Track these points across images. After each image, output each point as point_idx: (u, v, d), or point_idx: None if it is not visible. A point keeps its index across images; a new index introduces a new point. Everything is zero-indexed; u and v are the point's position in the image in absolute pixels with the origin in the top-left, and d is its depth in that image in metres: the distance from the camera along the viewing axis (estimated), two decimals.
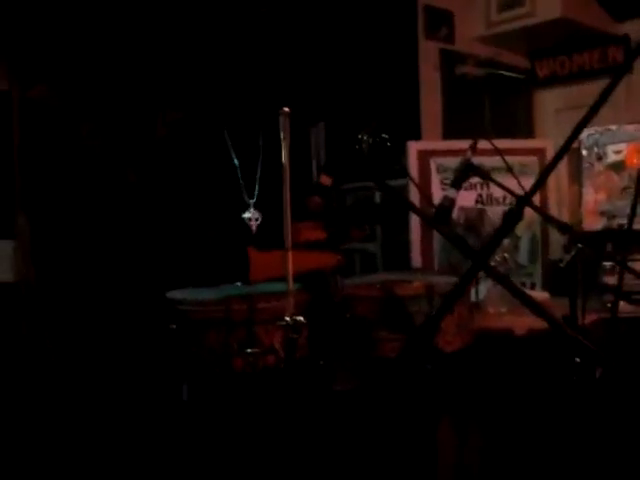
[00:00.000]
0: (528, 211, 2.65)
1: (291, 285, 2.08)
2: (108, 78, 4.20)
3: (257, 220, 2.99)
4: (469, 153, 2.75)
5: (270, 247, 2.33)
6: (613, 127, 3.46)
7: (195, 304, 2.52)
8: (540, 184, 1.68)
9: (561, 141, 1.86)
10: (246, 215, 3.03)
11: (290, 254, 2.08)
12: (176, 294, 2.64)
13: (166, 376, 2.81)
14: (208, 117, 3.27)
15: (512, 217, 1.66)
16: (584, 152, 3.50)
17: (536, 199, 4.02)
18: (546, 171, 1.67)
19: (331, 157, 2.88)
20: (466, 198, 4.07)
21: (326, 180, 2.66)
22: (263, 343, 2.45)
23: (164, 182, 3.43)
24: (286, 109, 2.04)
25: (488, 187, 4.15)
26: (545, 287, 4.04)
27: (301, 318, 2.10)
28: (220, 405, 2.65)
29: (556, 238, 4.00)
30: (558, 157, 1.64)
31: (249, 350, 2.44)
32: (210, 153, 3.14)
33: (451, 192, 2.74)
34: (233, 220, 3.04)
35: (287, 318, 2.08)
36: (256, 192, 3.04)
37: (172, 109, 4.82)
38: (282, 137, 2.04)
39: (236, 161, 3.07)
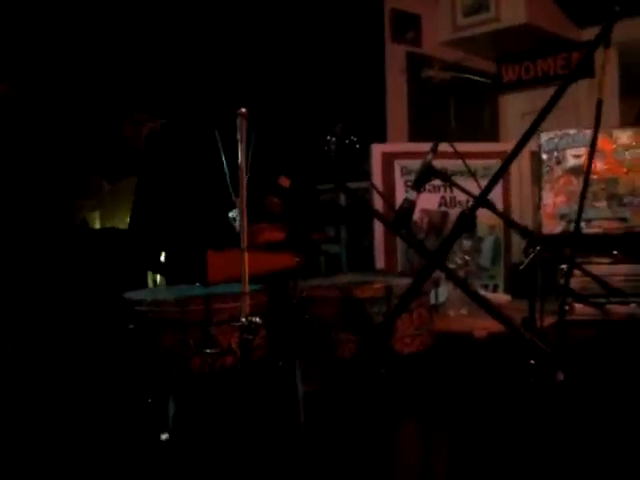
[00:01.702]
0: (492, 214, 2.69)
1: (246, 286, 2.07)
2: (76, 77, 4.16)
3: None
4: (430, 155, 2.76)
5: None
6: (572, 131, 3.50)
7: (152, 304, 2.50)
8: (492, 186, 1.69)
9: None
10: (231, 214, 3.01)
11: (246, 255, 2.08)
12: (133, 294, 2.63)
13: (125, 377, 2.79)
14: (192, 118, 3.25)
15: (465, 219, 1.66)
16: (544, 156, 3.53)
17: (499, 202, 4.11)
18: (498, 173, 1.68)
19: (291, 159, 2.87)
20: (430, 201, 4.09)
21: (285, 182, 2.65)
22: (220, 344, 2.45)
23: (142, 181, 3.40)
24: (243, 110, 2.03)
25: (451, 190, 4.16)
26: (507, 289, 4.07)
27: (257, 319, 2.09)
28: (178, 405, 2.64)
29: (519, 241, 4.02)
30: (508, 160, 1.66)
31: (207, 350, 2.44)
32: (199, 153, 3.11)
33: (411, 194, 2.75)
34: (220, 219, 3.01)
35: (242, 319, 2.07)
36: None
37: (140, 109, 4.79)
38: (239, 138, 2.03)
39: (224, 160, 3.05)
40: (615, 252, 3.33)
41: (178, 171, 3.16)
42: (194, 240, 2.98)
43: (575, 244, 2.68)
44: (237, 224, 2.97)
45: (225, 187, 3.04)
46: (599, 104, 1.56)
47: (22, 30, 3.90)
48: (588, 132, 3.49)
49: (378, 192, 3.31)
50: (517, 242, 4.03)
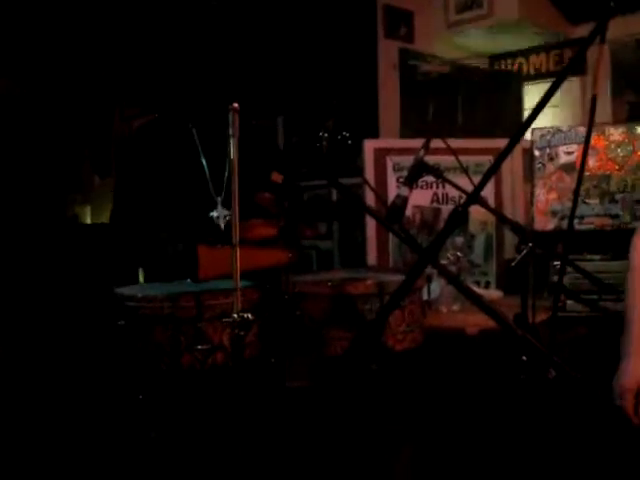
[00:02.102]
0: (484, 210, 2.68)
1: (238, 282, 2.06)
2: (68, 74, 4.15)
3: (225, 218, 2.96)
4: (422, 152, 2.75)
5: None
6: (564, 128, 3.50)
7: (143, 300, 2.49)
8: (485, 183, 1.68)
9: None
10: (214, 213, 3.00)
11: (237, 251, 2.06)
12: (124, 290, 2.61)
13: (114, 372, 2.78)
14: (176, 114, 3.23)
15: (457, 216, 1.66)
16: (536, 152, 3.53)
17: (492, 199, 4.10)
18: (490, 170, 1.67)
19: (284, 154, 2.86)
20: (422, 197, 4.08)
21: (277, 177, 2.64)
22: (212, 340, 2.43)
23: (126, 177, 3.38)
24: (235, 105, 2.02)
25: (444, 186, 4.16)
26: (499, 286, 4.07)
27: (248, 315, 2.08)
28: (168, 401, 2.63)
29: (511, 237, 4.02)
30: (501, 157, 1.65)
31: (198, 347, 2.42)
32: (178, 150, 3.10)
33: (404, 190, 2.74)
34: (201, 217, 3.00)
35: (234, 315, 2.06)
36: (224, 189, 3.01)
37: (130, 105, 4.78)
38: (231, 133, 2.02)
39: (204, 159, 3.04)
40: (607, 249, 3.34)
41: (157, 168, 3.14)
42: (176, 237, 2.97)
43: (568, 241, 2.68)
44: (221, 222, 2.98)
45: (205, 185, 3.04)
46: (593, 100, 1.55)
47: (17, 27, 3.89)
48: (580, 129, 3.48)
49: (371, 188, 3.30)
50: (509, 239, 4.03)
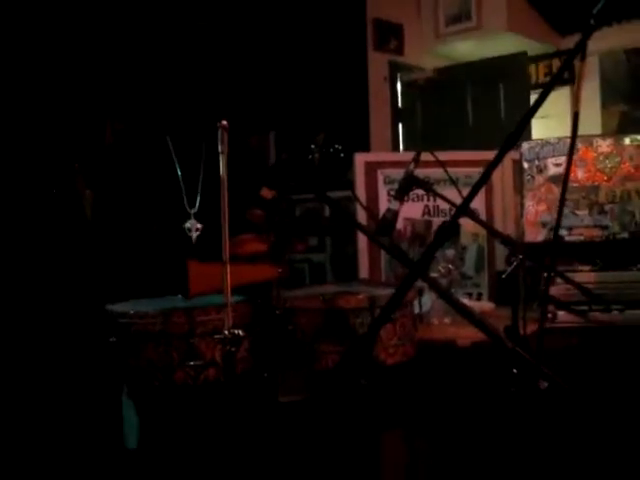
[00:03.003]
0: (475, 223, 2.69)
1: (229, 298, 2.07)
2: (59, 87, 4.16)
3: (197, 230, 2.97)
4: (412, 165, 2.78)
5: (210, 258, 2.31)
6: (553, 140, 3.52)
7: (134, 317, 2.49)
8: (473, 196, 1.69)
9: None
10: (187, 225, 3.01)
11: (228, 267, 2.07)
12: (115, 307, 2.61)
13: (106, 389, 2.78)
14: (151, 125, 3.24)
15: (444, 231, 1.67)
16: (525, 164, 3.55)
17: (483, 211, 4.12)
18: (479, 182, 1.69)
19: (273, 169, 2.88)
20: (413, 210, 4.09)
21: (267, 193, 2.66)
22: (204, 356, 2.44)
23: (106, 191, 3.39)
24: (224, 122, 2.03)
25: (435, 199, 4.17)
26: (491, 298, 4.08)
27: (239, 331, 2.08)
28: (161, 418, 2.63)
29: (502, 249, 4.04)
30: (490, 169, 1.66)
31: (191, 363, 2.43)
32: (153, 161, 3.11)
33: (394, 204, 2.76)
34: (174, 230, 3.01)
35: (225, 331, 2.07)
36: (197, 202, 3.02)
37: (120, 118, 4.78)
38: (220, 150, 2.03)
39: (179, 170, 3.05)
40: (597, 260, 3.35)
41: (130, 179, 3.15)
42: (149, 250, 2.97)
43: (554, 252, 2.69)
44: (193, 235, 2.99)
45: (179, 197, 3.05)
46: (575, 116, 1.57)
47: (6, 43, 3.90)
48: (569, 141, 3.50)
49: (360, 203, 3.32)
50: (501, 250, 4.04)
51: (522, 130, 1.69)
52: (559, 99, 6.24)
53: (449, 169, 2.83)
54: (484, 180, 1.79)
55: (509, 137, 1.67)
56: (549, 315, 3.26)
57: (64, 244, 3.54)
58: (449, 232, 1.68)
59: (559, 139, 3.52)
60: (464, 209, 1.90)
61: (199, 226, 2.94)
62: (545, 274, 3.00)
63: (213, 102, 3.32)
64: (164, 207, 3.01)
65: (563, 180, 1.76)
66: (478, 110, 6.20)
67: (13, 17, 3.97)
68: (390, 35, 6.15)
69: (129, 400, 2.65)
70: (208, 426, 2.55)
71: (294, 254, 2.86)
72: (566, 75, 6.06)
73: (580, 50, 1.40)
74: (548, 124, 6.06)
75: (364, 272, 4.11)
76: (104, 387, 2.81)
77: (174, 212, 2.99)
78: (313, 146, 2.79)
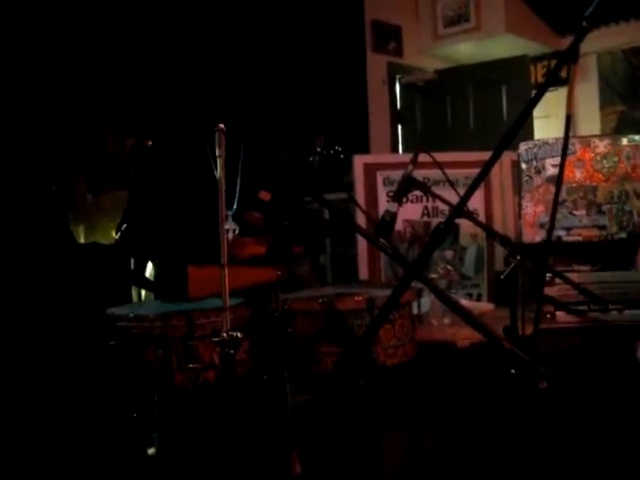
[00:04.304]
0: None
1: (227, 300, 2.08)
2: (60, 91, 4.17)
3: (235, 232, 2.97)
4: (410, 167, 2.79)
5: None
6: (551, 141, 3.53)
7: (134, 320, 2.50)
8: (468, 197, 1.70)
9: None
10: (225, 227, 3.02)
11: (227, 269, 2.08)
12: (115, 310, 2.62)
13: (105, 392, 2.79)
14: (191, 133, 3.25)
15: (440, 233, 1.68)
16: (523, 165, 3.55)
17: (482, 211, 4.13)
18: (474, 183, 1.70)
19: (272, 172, 2.89)
20: (412, 211, 4.10)
21: (265, 196, 2.66)
22: (203, 358, 2.45)
23: (137, 191, 3.40)
24: (221, 126, 2.04)
25: (434, 200, 4.16)
26: (491, 298, 4.08)
27: (238, 333, 2.09)
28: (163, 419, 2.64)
29: (502, 249, 4.04)
30: (485, 170, 1.67)
31: (190, 365, 2.44)
32: (192, 166, 3.12)
33: (392, 206, 2.77)
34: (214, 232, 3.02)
35: (223, 334, 2.08)
36: (235, 204, 3.02)
37: (120, 125, 4.80)
38: (217, 153, 2.05)
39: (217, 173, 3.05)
40: (595, 260, 3.36)
41: (167, 186, 3.16)
42: (184, 254, 2.98)
43: (547, 251, 2.70)
44: (230, 236, 3.00)
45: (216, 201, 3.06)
46: (568, 120, 1.58)
47: (7, 51, 3.91)
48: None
49: (357, 205, 3.32)
50: (500, 251, 4.04)
51: (518, 130, 1.69)
52: (560, 99, 6.22)
53: (449, 170, 2.84)
54: (480, 180, 1.80)
55: (505, 137, 1.68)
56: (548, 315, 3.27)
57: (64, 248, 3.55)
58: (444, 233, 1.69)
59: (557, 139, 3.53)
60: (460, 210, 1.91)
61: (236, 227, 2.93)
62: (541, 274, 3.01)
63: (226, 105, 3.32)
64: (204, 211, 3.02)
65: (556, 182, 1.77)
66: (479, 112, 6.20)
67: (15, 21, 3.98)
68: (389, 37, 6.16)
69: None
70: (208, 428, 2.57)
71: (293, 256, 2.86)
72: (565, 74, 6.05)
73: (571, 53, 1.41)
74: (550, 124, 6.07)
75: (364, 273, 4.11)
76: (104, 390, 2.82)
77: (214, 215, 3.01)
78: (313, 147, 2.79)
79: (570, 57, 1.56)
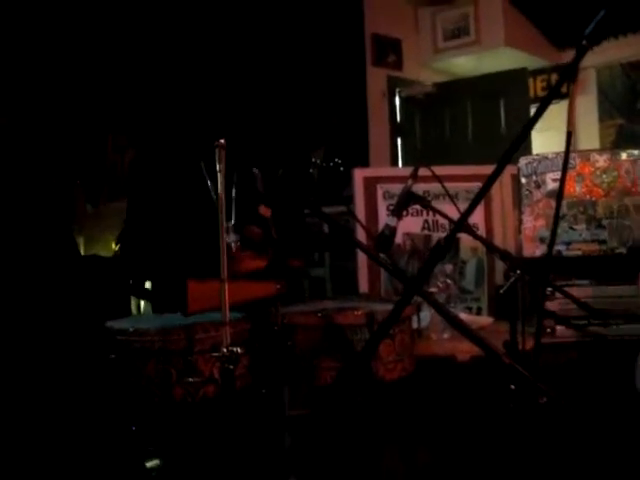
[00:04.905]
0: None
1: (227, 315, 2.08)
2: (60, 103, 4.18)
3: (237, 242, 2.97)
4: (410, 181, 2.79)
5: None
6: (551, 155, 3.53)
7: (134, 334, 2.50)
8: (469, 213, 1.71)
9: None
10: (227, 239, 3.02)
11: (226, 284, 2.08)
12: (115, 323, 2.62)
13: (107, 406, 2.78)
14: (184, 146, 3.27)
15: (440, 250, 1.68)
16: (523, 180, 3.55)
17: (482, 226, 4.13)
18: (476, 199, 1.70)
19: (270, 187, 2.89)
20: (412, 224, 4.10)
21: (265, 211, 2.67)
22: (203, 373, 2.45)
23: (132, 207, 3.40)
24: (222, 141, 2.05)
25: (434, 213, 4.17)
26: (491, 312, 4.08)
27: (238, 349, 2.09)
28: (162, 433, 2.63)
29: (502, 263, 4.04)
30: (488, 184, 1.67)
31: (190, 380, 2.44)
32: (187, 184, 3.13)
33: (392, 220, 2.78)
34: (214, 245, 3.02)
35: (223, 349, 2.08)
36: (233, 215, 3.03)
37: (121, 133, 4.81)
38: (218, 169, 2.05)
39: (210, 184, 3.06)
40: (595, 274, 3.36)
41: (165, 198, 3.17)
42: (183, 267, 2.98)
43: (549, 266, 2.70)
44: (233, 247, 3.00)
45: (215, 215, 3.07)
46: (568, 136, 1.58)
47: (7, 60, 3.92)
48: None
49: (356, 219, 3.33)
50: (500, 265, 4.05)
51: (520, 144, 1.70)
52: (560, 112, 6.22)
53: (449, 184, 2.85)
54: (481, 196, 1.80)
55: (506, 152, 1.68)
56: (548, 330, 3.26)
57: (64, 260, 3.55)
58: (445, 250, 1.69)
59: (557, 154, 3.53)
60: (461, 226, 1.91)
61: (237, 238, 2.94)
62: (541, 288, 3.01)
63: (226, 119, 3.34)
64: (201, 224, 3.02)
65: (557, 197, 1.77)
66: (478, 125, 6.22)
67: (15, 28, 4.00)
68: (389, 50, 6.19)
69: None
70: (207, 443, 2.56)
71: (292, 270, 2.85)
72: (566, 89, 6.06)
73: (571, 70, 1.42)
74: (549, 137, 6.06)
75: (364, 287, 4.11)
76: (104, 404, 2.82)
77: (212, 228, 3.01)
78: (313, 160, 2.80)
79: (570, 75, 1.57)
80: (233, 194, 3.07)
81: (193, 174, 3.09)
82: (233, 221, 3.04)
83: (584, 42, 1.39)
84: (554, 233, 2.21)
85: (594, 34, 1.39)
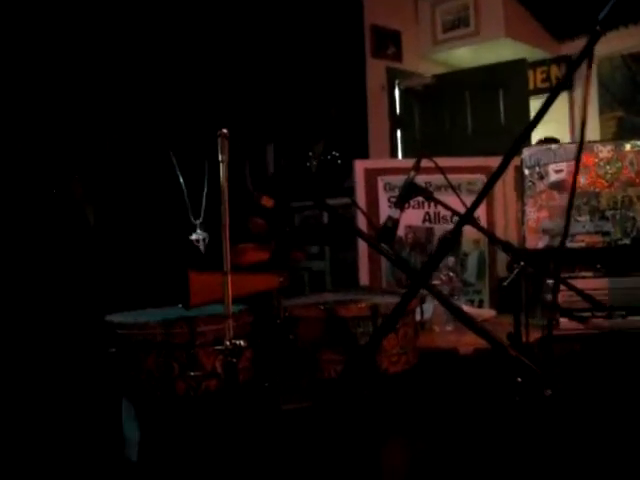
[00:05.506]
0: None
1: (229, 308, 2.04)
2: (56, 97, 4.15)
3: (205, 240, 2.97)
4: (412, 173, 2.76)
5: (218, 268, 2.31)
6: (554, 146, 3.51)
7: (135, 327, 2.47)
8: (479, 203, 1.68)
9: None
10: (193, 237, 3.01)
11: (229, 277, 2.05)
12: (115, 317, 2.59)
13: (105, 401, 2.76)
14: (153, 138, 3.25)
15: (447, 243, 1.65)
16: (526, 171, 3.53)
17: (484, 218, 4.10)
18: (483, 192, 1.67)
19: (273, 178, 2.87)
20: (414, 216, 4.08)
21: (268, 202, 2.64)
22: (205, 366, 2.42)
23: (108, 203, 3.38)
24: (224, 131, 2.02)
25: (436, 205, 4.14)
26: (493, 305, 4.06)
27: (241, 342, 2.06)
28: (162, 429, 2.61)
29: (504, 256, 4.02)
30: (494, 178, 1.64)
31: (192, 373, 2.41)
32: (156, 173, 3.11)
33: (394, 212, 2.75)
34: (180, 241, 3.00)
35: (226, 342, 2.05)
36: (202, 212, 3.02)
37: (120, 129, 4.78)
38: (220, 159, 2.02)
39: (182, 182, 3.05)
40: (598, 266, 3.34)
41: (132, 193, 3.15)
42: (156, 262, 2.97)
43: (560, 260, 2.68)
44: (201, 245, 2.99)
45: (183, 209, 3.05)
46: (583, 125, 1.55)
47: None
48: (569, 147, 3.50)
49: (360, 210, 3.30)
50: (502, 257, 4.03)
51: (527, 137, 1.67)
52: (558, 104, 6.22)
53: (452, 175, 2.82)
54: (486, 191, 1.78)
55: (513, 146, 1.66)
56: (553, 322, 3.25)
57: (64, 254, 3.53)
58: (451, 243, 1.67)
59: (560, 145, 3.51)
60: (466, 219, 1.88)
61: (206, 236, 2.94)
62: (549, 281, 2.99)
63: (214, 113, 3.32)
64: (167, 218, 3.00)
65: (571, 190, 1.75)
66: (477, 117, 6.19)
67: (13, 26, 3.96)
68: (388, 42, 6.15)
69: (129, 412, 2.63)
70: (210, 437, 2.54)
71: (296, 263, 2.84)
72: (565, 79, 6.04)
73: (585, 57, 1.39)
74: (547, 129, 6.04)
75: (364, 279, 4.09)
76: (104, 398, 2.79)
77: (178, 223, 2.99)
78: (311, 154, 2.78)
79: (588, 60, 1.52)
80: (205, 190, 3.06)
81: (161, 165, 3.08)
82: (201, 219, 3.02)
83: (597, 27, 1.36)
84: (567, 227, 2.17)
85: (608, 19, 1.37)
